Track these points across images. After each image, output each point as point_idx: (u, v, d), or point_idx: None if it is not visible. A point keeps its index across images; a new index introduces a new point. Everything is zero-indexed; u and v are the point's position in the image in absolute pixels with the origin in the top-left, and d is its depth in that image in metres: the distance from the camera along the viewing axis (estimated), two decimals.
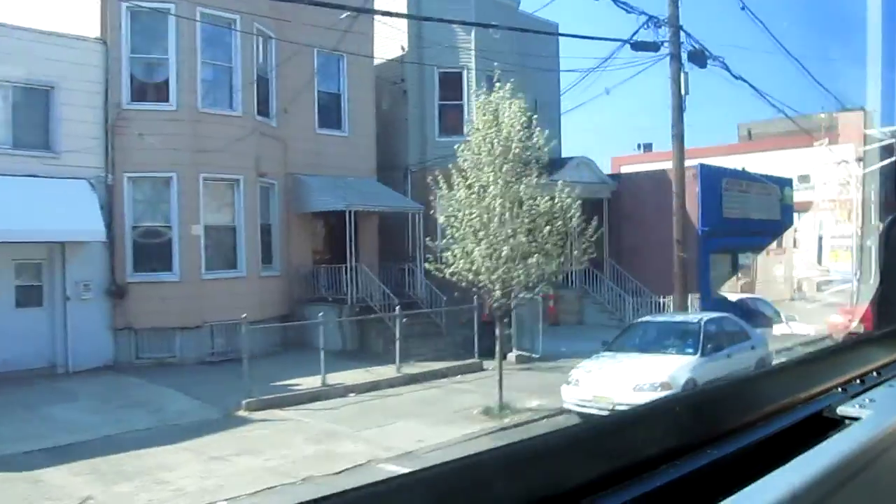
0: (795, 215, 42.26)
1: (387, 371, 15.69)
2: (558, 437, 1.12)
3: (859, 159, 39.67)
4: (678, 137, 15.96)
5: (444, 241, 13.49)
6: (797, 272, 39.15)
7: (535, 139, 12.78)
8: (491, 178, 12.20)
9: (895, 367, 1.78)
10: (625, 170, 34.94)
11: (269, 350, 16.52)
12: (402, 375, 15.55)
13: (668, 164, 18.86)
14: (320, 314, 15.53)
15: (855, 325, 20.11)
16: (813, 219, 39.95)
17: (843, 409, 1.42)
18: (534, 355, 16.90)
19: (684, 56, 15.69)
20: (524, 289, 12.60)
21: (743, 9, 14.84)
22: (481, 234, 12.31)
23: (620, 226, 24.88)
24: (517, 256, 12.12)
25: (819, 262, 39.60)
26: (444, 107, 21.78)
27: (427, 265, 13.94)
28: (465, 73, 21.64)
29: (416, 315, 17.77)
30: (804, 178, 40.72)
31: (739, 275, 30.48)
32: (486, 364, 16.63)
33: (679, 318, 12.58)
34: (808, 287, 37.57)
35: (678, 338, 12.12)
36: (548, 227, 12.26)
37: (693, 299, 22.68)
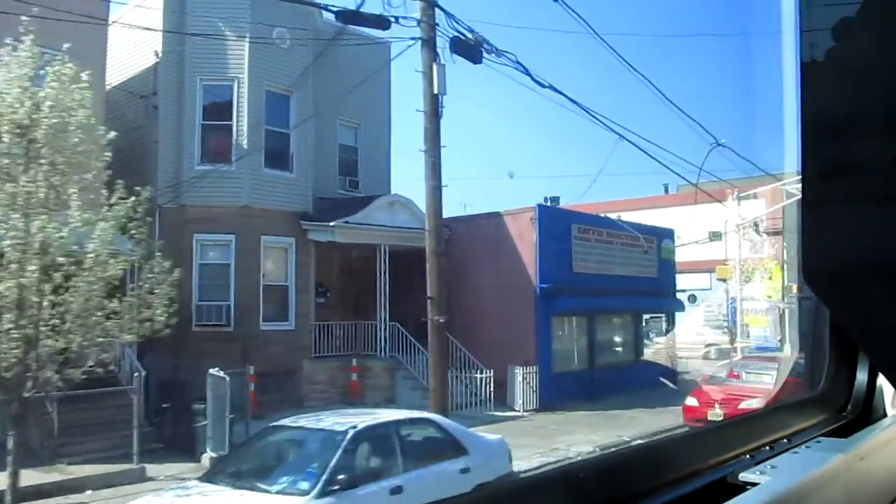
0: (707, 275, 38.73)
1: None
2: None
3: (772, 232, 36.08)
4: (432, 158, 11.53)
5: None
6: (705, 337, 34.89)
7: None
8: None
9: (806, 433, 1.84)
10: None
11: None
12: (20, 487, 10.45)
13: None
14: None
15: (714, 413, 12.88)
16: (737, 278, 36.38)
17: (744, 476, 1.44)
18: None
19: (443, 43, 11.42)
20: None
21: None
22: None
23: (454, 280, 20.27)
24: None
25: (728, 326, 35.49)
26: (210, 128, 17.27)
27: None
28: (235, 85, 17.21)
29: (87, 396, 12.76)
30: (716, 235, 37.14)
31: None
32: (162, 468, 11.73)
33: (328, 422, 7.78)
34: (717, 355, 33.39)
35: (305, 460, 7.34)
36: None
37: (527, 373, 18.02)
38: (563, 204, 37.72)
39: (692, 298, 39.64)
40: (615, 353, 22.03)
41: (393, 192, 21.26)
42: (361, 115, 21.05)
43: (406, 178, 69.40)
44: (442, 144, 11.67)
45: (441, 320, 11.68)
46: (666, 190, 44.25)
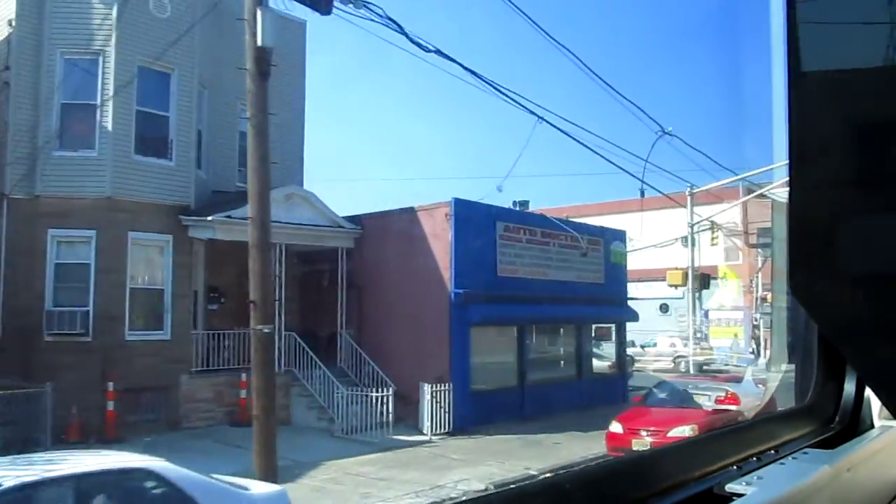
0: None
1: None
2: None
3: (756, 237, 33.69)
4: (257, 126, 9.27)
5: None
6: (677, 348, 32.55)
7: None
8: None
9: (793, 444, 1.84)
10: None
11: None
12: None
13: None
14: None
15: (640, 442, 10.87)
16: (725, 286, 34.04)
17: (731, 487, 1.44)
18: None
19: None
20: None
21: None
22: None
23: (365, 285, 18.04)
24: None
25: (697, 337, 33.16)
26: (70, 108, 15.06)
27: None
28: (101, 60, 15.02)
29: None
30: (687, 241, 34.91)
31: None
32: None
33: None
34: (687, 367, 31.02)
35: None
36: None
37: (437, 392, 15.73)
38: (533, 208, 35.65)
39: (664, 308, 37.36)
40: (553, 369, 19.69)
41: (306, 187, 19.10)
42: (270, 100, 18.81)
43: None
44: (271, 112, 9.44)
45: (266, 331, 9.37)
46: (642, 194, 42.27)
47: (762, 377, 21.25)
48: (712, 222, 29.09)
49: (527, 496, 1.26)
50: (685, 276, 19.21)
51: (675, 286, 20.91)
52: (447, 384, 15.91)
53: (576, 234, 18.81)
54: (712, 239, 30.20)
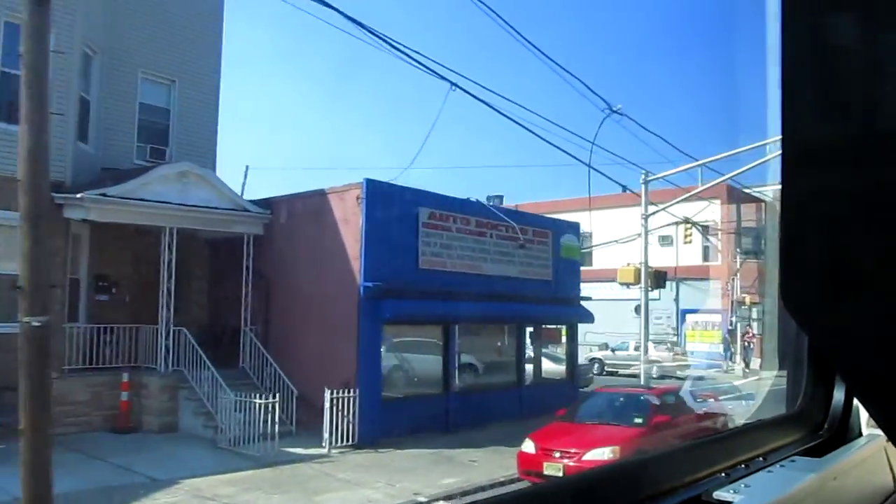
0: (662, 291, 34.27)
1: None
2: None
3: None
4: (33, 69, 7.34)
5: None
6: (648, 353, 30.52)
7: None
8: None
9: (782, 451, 1.84)
10: None
11: None
12: None
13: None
14: None
15: (552, 466, 10.21)
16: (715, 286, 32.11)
17: (718, 494, 1.44)
18: None
19: None
20: None
21: None
22: None
23: (274, 277, 16.13)
24: None
25: (671, 341, 31.24)
26: None
27: None
28: None
29: None
30: (665, 239, 32.82)
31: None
32: None
33: None
34: (659, 373, 28.96)
35: None
36: None
37: (340, 399, 13.81)
38: (508, 203, 33.66)
39: (639, 310, 35.32)
40: (489, 374, 17.73)
41: (221, 172, 17.25)
42: (179, 70, 16.95)
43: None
44: (57, 49, 7.51)
45: (36, 324, 7.42)
46: (624, 189, 40.32)
47: (706, 389, 19.30)
48: (687, 219, 27.14)
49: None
50: (637, 273, 17.22)
51: (627, 285, 18.89)
52: (353, 390, 13.98)
53: (512, 223, 16.83)
54: (685, 237, 28.32)
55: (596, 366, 30.19)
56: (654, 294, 35.08)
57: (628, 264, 17.97)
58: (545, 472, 10.71)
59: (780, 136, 0.89)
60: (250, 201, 16.39)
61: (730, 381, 26.48)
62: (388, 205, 14.72)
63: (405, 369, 15.50)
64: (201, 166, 16.39)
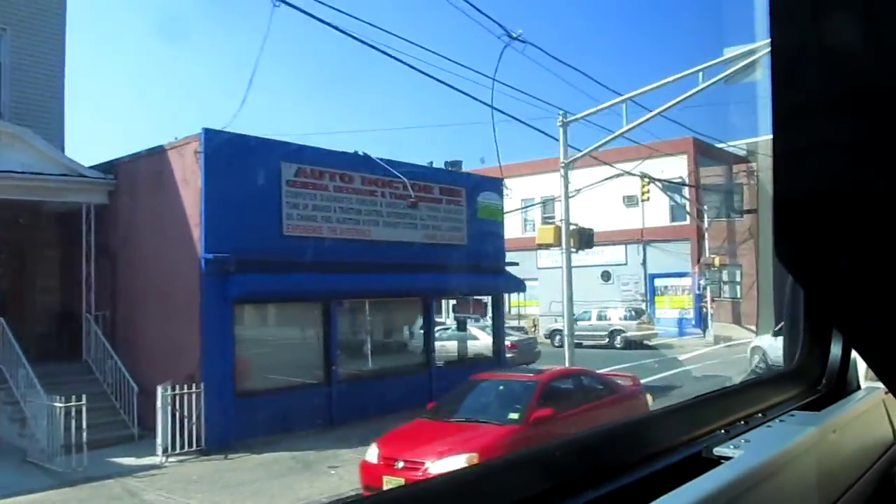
0: (622, 248, 31.76)
1: None
2: (422, 488, 1.12)
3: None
4: None
5: None
6: (611, 321, 27.99)
7: None
8: None
9: (781, 407, 1.87)
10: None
11: None
12: None
13: None
14: None
15: (391, 480, 8.67)
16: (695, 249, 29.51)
17: (719, 450, 1.45)
18: None
19: None
20: None
21: None
22: None
23: (119, 254, 13.66)
24: None
25: (638, 308, 28.74)
26: None
27: None
28: None
29: None
30: (631, 199, 30.18)
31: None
32: None
33: None
34: (623, 344, 26.54)
35: None
36: None
37: (181, 396, 11.43)
38: (467, 168, 31.02)
39: (605, 276, 32.82)
40: (387, 357, 15.28)
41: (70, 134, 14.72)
42: (10, 17, 14.33)
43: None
44: None
45: None
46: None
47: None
48: (644, 174, 24.47)
49: (515, 465, 1.27)
50: (557, 233, 14.68)
51: (546, 246, 16.33)
52: (198, 384, 11.58)
53: (403, 179, 14.24)
54: (643, 193, 25.72)
55: (557, 338, 27.84)
56: (620, 258, 32.67)
57: (548, 223, 15.36)
58: (384, 488, 8.33)
59: (771, 88, 0.87)
60: (95, 166, 13.86)
61: (698, 349, 24.30)
62: (238, 160, 12.18)
63: (274, 357, 13.08)
64: (44, 128, 13.91)
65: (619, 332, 27.42)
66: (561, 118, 14.50)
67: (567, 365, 14.72)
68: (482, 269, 16.43)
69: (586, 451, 1.36)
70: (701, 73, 12.97)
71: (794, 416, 1.78)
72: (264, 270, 12.24)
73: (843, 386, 2.09)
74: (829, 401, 1.97)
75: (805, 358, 2.09)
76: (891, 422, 2.07)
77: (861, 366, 2.11)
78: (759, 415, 1.76)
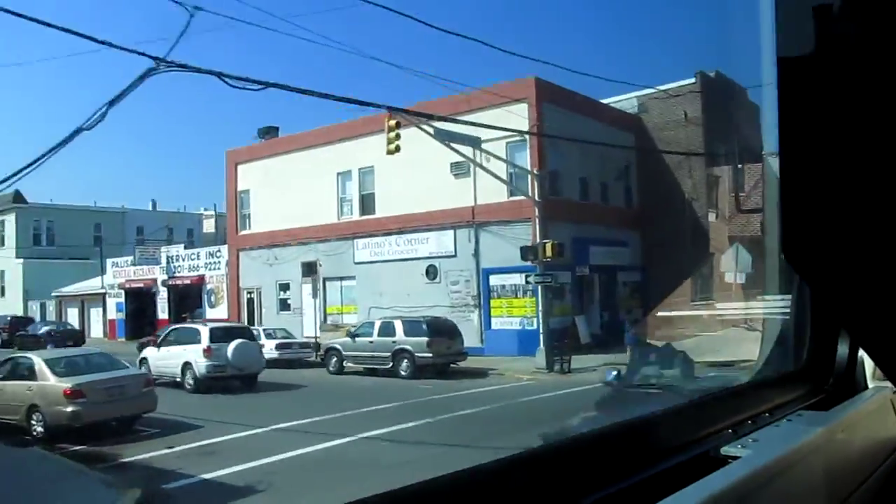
0: (450, 234, 24.77)
1: None
2: (422, 488, 1.11)
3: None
4: None
5: None
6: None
7: None
8: None
9: (788, 407, 1.88)
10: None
11: None
12: None
13: None
14: None
15: None
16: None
17: (727, 450, 1.46)
18: None
19: None
20: None
21: None
22: None
23: None
24: None
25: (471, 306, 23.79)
26: None
27: None
28: None
29: None
30: (460, 167, 23.24)
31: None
32: None
33: None
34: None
35: None
36: None
37: None
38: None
39: (431, 272, 25.38)
40: None
41: None
42: None
43: None
44: None
45: None
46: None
47: None
48: (390, 107, 18.04)
49: (529, 462, 1.26)
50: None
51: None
52: None
53: None
54: (389, 142, 18.30)
55: (334, 360, 21.40)
56: (448, 247, 24.84)
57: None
58: None
59: (777, 93, 0.86)
60: None
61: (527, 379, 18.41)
62: None
63: None
64: None
65: (406, 353, 19.50)
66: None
67: None
68: None
69: (594, 449, 1.37)
70: None
71: (802, 415, 1.79)
72: None
73: (850, 385, 2.10)
74: (836, 400, 1.97)
75: (812, 358, 2.10)
76: None
77: (868, 365, 2.11)
78: (767, 414, 1.78)
